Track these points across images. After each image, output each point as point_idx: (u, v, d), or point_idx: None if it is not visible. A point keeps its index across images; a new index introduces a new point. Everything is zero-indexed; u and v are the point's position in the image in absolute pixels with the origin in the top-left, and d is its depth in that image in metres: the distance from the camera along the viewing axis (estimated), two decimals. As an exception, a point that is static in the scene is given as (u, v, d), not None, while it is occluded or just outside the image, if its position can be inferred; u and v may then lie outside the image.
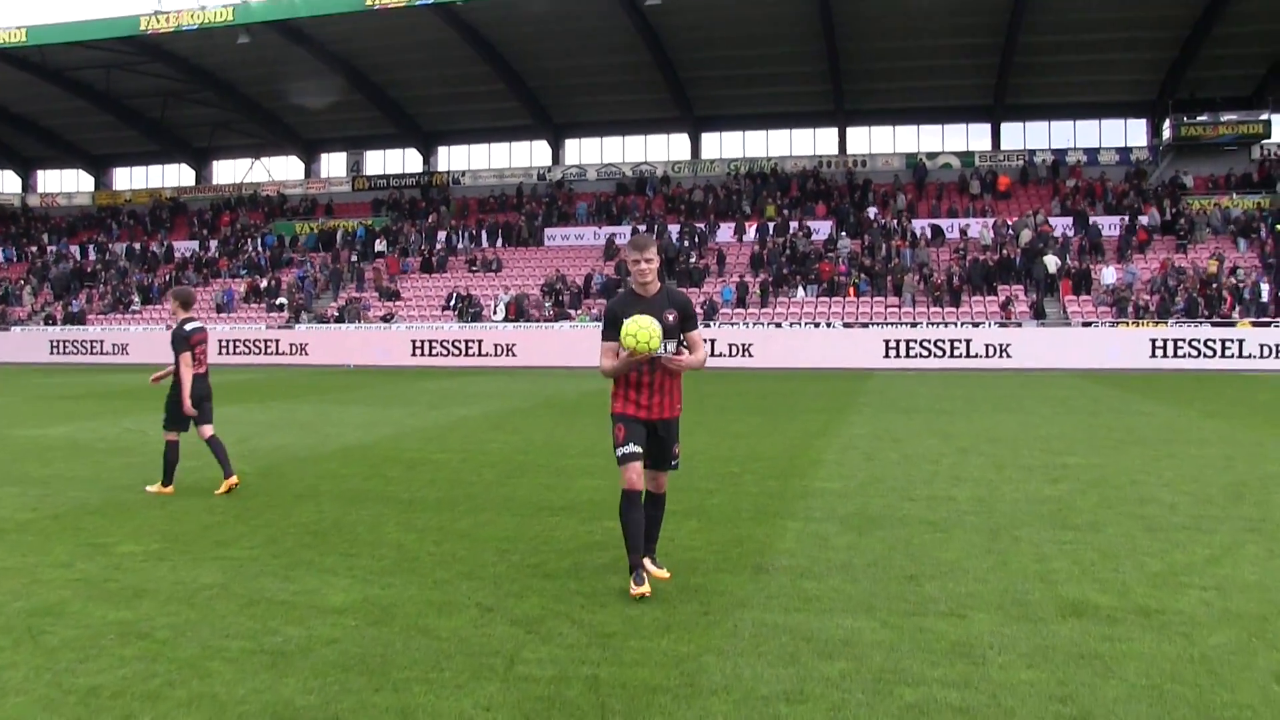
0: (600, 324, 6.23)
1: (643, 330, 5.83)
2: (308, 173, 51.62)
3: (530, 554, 7.03)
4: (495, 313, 36.74)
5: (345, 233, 45.08)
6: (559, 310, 36.34)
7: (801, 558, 6.89)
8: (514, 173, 48.16)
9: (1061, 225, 37.99)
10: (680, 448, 6.39)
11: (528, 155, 49.56)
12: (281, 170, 52.74)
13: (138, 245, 47.30)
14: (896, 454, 11.83)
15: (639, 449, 6.07)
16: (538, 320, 36.05)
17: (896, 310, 34.47)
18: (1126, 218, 37.95)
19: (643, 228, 40.54)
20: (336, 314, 38.41)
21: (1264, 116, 40.53)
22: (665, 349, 6.03)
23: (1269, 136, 40.92)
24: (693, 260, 38.13)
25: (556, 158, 48.53)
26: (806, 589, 6.10)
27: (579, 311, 36.19)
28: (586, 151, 48.93)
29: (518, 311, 36.37)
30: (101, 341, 38.21)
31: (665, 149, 48.00)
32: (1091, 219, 37.85)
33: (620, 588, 6.11)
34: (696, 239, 39.80)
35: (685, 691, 4.50)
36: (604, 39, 40.25)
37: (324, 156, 52.11)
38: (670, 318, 6.09)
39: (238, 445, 12.94)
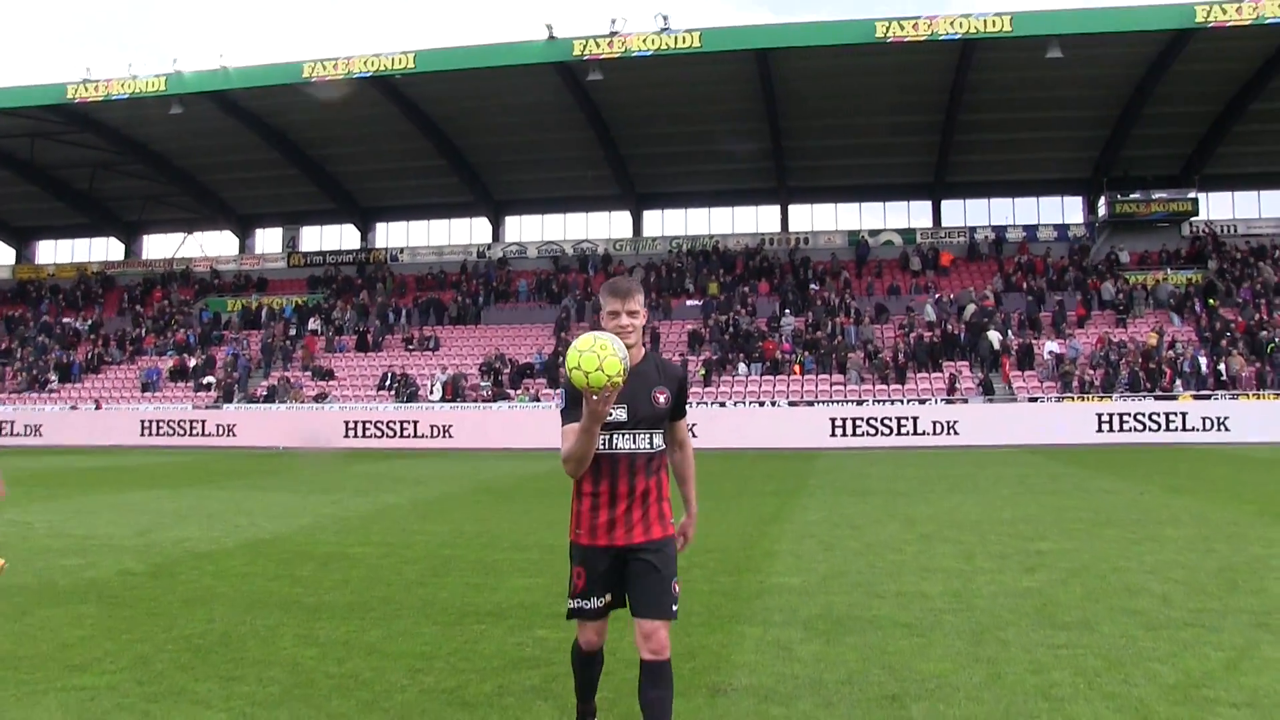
0: (560, 403, 4.39)
1: (587, 356, 3.98)
2: (242, 248, 50.34)
3: (447, 674, 5.96)
4: (432, 393, 35.60)
5: (269, 311, 43.79)
6: (498, 390, 35.31)
7: (764, 674, 5.91)
8: (453, 250, 47.31)
9: (1003, 300, 37.94)
10: (680, 584, 4.49)
11: (467, 232, 48.80)
12: (215, 246, 51.44)
13: (61, 320, 45.53)
14: (857, 542, 10.94)
15: (600, 604, 4.37)
16: (475, 400, 34.97)
17: (842, 388, 33.89)
18: (1077, 293, 38.10)
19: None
20: (265, 393, 37.00)
21: (1191, 194, 41.30)
22: (652, 443, 4.38)
23: (1197, 214, 41.62)
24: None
25: (496, 235, 47.81)
26: (774, 717, 5.14)
27: (518, 391, 35.18)
28: (527, 229, 48.38)
29: (455, 391, 35.27)
30: (12, 422, 36.31)
31: (607, 226, 47.57)
32: (1032, 294, 37.89)
33: (552, 720, 5.10)
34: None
35: None
36: (545, 115, 39.87)
37: (259, 232, 50.92)
38: (661, 398, 4.38)
39: (135, 539, 11.73)
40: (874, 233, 44.06)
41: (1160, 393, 31.47)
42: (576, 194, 46.08)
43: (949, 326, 36.00)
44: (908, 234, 43.74)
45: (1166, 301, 37.53)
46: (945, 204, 44.79)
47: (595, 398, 3.99)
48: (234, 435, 34.35)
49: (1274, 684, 5.62)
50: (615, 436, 4.29)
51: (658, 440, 4.39)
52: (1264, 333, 33.86)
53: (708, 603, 7.92)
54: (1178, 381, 32.11)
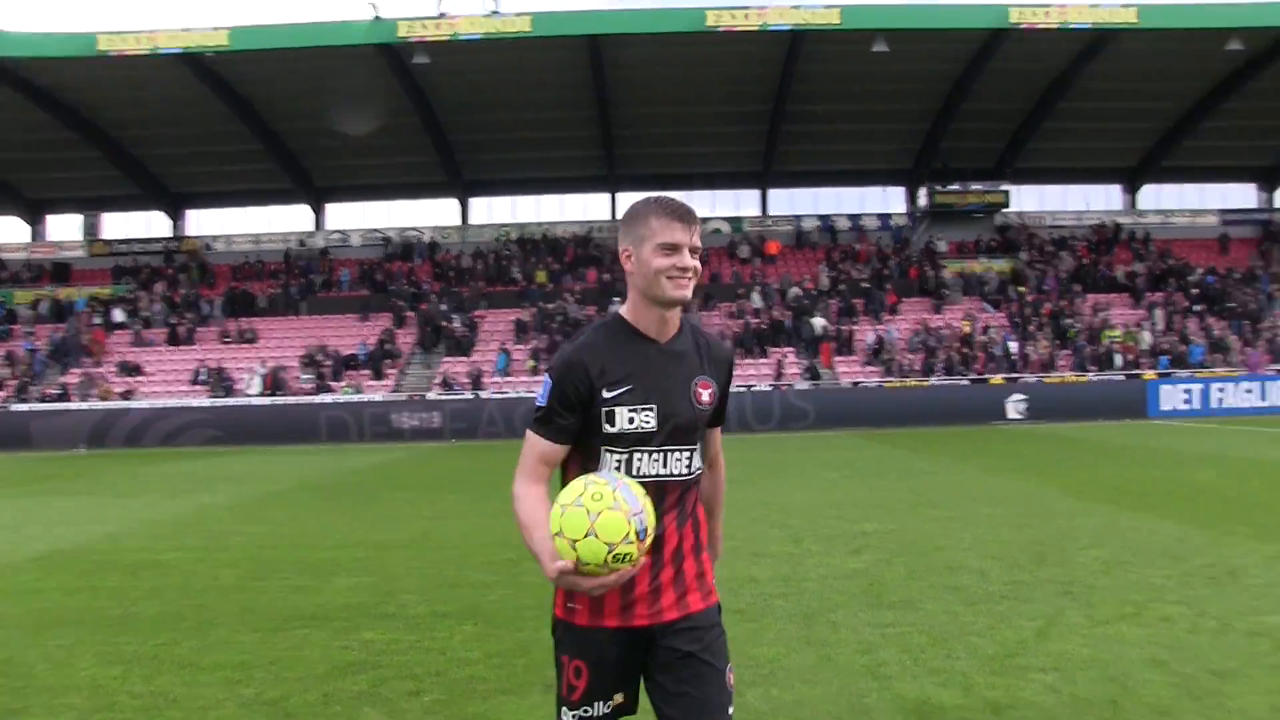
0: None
1: (573, 513, 2.60)
2: (35, 235, 47.08)
3: (269, 684, 5.64)
4: (250, 387, 34.24)
5: (55, 303, 40.81)
6: (320, 383, 34.24)
7: (599, 666, 5.82)
8: (272, 238, 45.48)
9: (831, 287, 38.98)
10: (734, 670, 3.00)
11: (287, 220, 47.07)
12: (1, 232, 47.75)
13: None
14: (689, 528, 10.97)
15: (608, 709, 2.90)
16: (297, 394, 33.81)
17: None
18: (897, 281, 39.45)
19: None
20: (62, 391, 34.79)
21: (1004, 187, 43.27)
22: (691, 466, 2.93)
23: (1009, 205, 43.64)
24: (458, 329, 36.82)
25: (318, 223, 46.29)
26: (610, 710, 5.04)
27: (343, 384, 34.20)
28: (350, 216, 46.96)
29: (274, 385, 34.02)
30: None
31: (433, 214, 46.68)
32: (850, 283, 39.07)
33: (379, 727, 4.87)
34: (464, 306, 38.57)
35: None
36: (368, 99, 38.64)
37: (53, 218, 47.53)
38: (705, 395, 2.94)
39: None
40: (702, 220, 44.43)
41: (975, 377, 32.92)
42: (402, 180, 44.99)
43: (775, 313, 36.80)
44: (735, 222, 44.44)
45: (980, 289, 39.33)
46: (773, 193, 45.71)
47: (578, 577, 2.63)
48: (27, 438, 31.87)
49: (1077, 648, 5.94)
50: (637, 457, 2.85)
51: (697, 460, 2.95)
52: (1067, 320, 35.91)
53: (539, 596, 7.78)
54: (990, 365, 33.67)
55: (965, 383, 32.49)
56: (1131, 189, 45.97)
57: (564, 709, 2.89)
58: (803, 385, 32.91)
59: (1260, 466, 16.09)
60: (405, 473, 19.91)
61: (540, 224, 44.78)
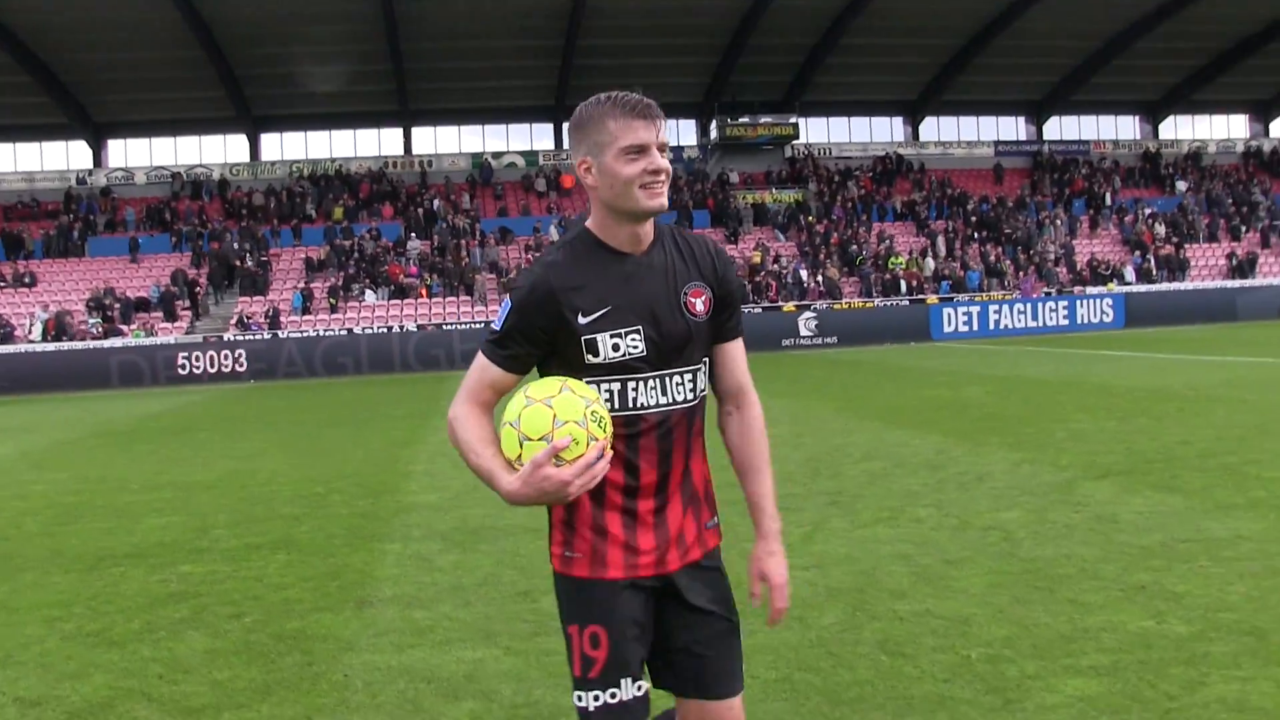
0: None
1: (533, 410, 2.29)
2: None
3: (89, 619, 5.88)
4: (31, 333, 32.58)
5: None
6: (109, 327, 32.89)
7: (407, 584, 6.31)
8: (47, 176, 42.84)
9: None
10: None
11: (64, 157, 44.40)
12: None
13: None
14: (492, 458, 11.48)
15: (641, 692, 2.48)
16: (84, 339, 32.40)
17: (470, 310, 34.44)
18: (692, 212, 40.43)
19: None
20: None
21: (793, 120, 44.86)
22: (696, 389, 2.56)
23: (798, 137, 45.34)
24: (251, 267, 35.91)
25: (99, 160, 43.90)
26: (418, 620, 5.55)
27: (133, 327, 32.97)
28: (134, 154, 44.73)
29: (59, 330, 32.48)
30: None
31: (222, 150, 44.94)
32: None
33: (207, 648, 5.25)
34: (257, 244, 37.59)
35: (293, 768, 3.83)
36: (148, 31, 36.72)
37: None
38: (699, 304, 2.52)
39: None
40: (497, 155, 44.65)
41: (767, 304, 34.40)
42: (188, 116, 43.13)
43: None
44: (530, 156, 44.63)
45: (772, 219, 40.89)
46: (566, 126, 45.85)
47: (545, 473, 2.24)
48: None
49: (836, 548, 6.76)
50: (632, 387, 2.47)
51: (702, 381, 2.59)
52: (854, 247, 37.85)
53: (348, 525, 8.23)
54: (782, 293, 35.22)
55: (758, 310, 33.94)
56: (913, 122, 48.43)
57: (580, 692, 2.45)
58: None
59: (1022, 383, 17.54)
60: (206, 415, 19.68)
61: (334, 160, 43.82)
